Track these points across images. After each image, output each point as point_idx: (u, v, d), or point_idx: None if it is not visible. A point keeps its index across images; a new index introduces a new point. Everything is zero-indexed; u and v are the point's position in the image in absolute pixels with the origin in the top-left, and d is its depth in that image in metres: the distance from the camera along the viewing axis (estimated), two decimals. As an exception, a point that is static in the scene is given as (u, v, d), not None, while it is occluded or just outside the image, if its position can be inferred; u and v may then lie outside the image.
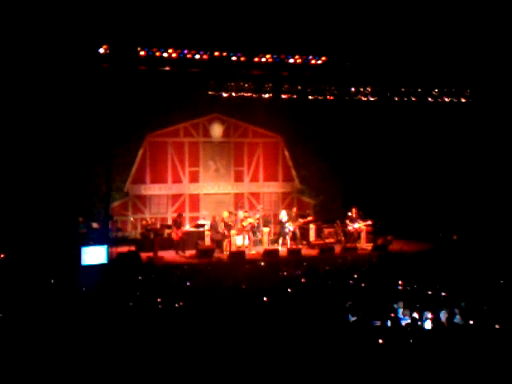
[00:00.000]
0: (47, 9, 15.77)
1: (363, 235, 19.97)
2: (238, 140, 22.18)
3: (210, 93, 20.23)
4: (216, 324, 8.59)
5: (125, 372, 7.19)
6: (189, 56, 18.67)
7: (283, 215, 19.51)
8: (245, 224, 19.21)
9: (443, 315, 9.15)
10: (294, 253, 18.21)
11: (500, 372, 6.94)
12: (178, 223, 18.83)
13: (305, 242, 20.07)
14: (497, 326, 8.39)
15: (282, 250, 18.66)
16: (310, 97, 21.32)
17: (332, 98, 21.45)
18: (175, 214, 19.76)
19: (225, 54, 19.05)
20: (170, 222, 20.40)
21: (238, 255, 17.64)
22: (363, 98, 21.57)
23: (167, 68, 18.88)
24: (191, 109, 20.98)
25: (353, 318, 9.04)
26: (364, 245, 19.72)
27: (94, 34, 16.87)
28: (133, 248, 17.81)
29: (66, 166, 19.02)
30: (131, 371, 7.21)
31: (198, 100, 20.56)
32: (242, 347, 7.66)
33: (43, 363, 7.29)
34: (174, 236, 18.61)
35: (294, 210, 20.45)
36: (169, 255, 18.14)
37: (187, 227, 19.82)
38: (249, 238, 19.25)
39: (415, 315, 9.19)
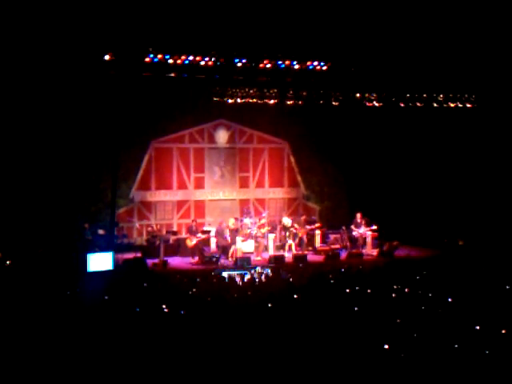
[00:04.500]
0: (52, 17, 15.83)
1: (369, 241, 19.93)
2: (243, 146, 22.19)
3: (215, 99, 20.25)
4: (221, 330, 8.58)
5: (130, 379, 7.19)
6: (194, 62, 18.67)
7: (287, 221, 19.55)
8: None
9: None
10: (299, 259, 18.18)
11: (506, 377, 6.92)
12: (192, 230, 18.75)
13: (310, 248, 20.03)
14: (503, 332, 8.35)
15: (288, 256, 18.64)
16: (315, 102, 21.30)
17: (337, 103, 21.43)
18: (181, 221, 19.78)
19: (230, 60, 19.06)
20: (175, 229, 20.45)
21: (244, 261, 17.61)
22: (368, 104, 21.54)
23: (172, 74, 18.88)
24: (196, 115, 21.06)
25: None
26: (370, 250, 19.67)
27: (99, 41, 16.92)
28: (138, 254, 17.82)
29: (71, 173, 19.09)
30: (137, 378, 7.20)
31: (203, 106, 20.62)
32: (246, 353, 7.65)
33: (48, 370, 7.29)
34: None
35: (303, 217, 20.42)
36: (174, 262, 18.14)
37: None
38: (260, 245, 19.20)
39: None
